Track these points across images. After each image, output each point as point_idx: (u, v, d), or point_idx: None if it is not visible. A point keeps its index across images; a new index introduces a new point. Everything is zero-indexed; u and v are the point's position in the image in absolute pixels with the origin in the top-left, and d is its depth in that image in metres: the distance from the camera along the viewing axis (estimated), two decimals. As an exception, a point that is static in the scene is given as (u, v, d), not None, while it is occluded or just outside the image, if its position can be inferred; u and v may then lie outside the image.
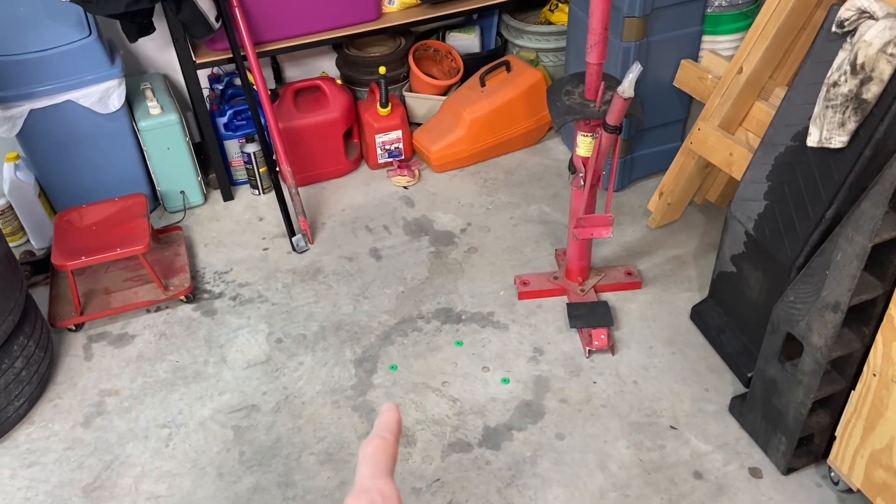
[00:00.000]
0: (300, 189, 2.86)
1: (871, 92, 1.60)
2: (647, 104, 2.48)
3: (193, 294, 2.55)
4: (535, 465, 1.97)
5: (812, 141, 1.72)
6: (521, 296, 2.45)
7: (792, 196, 1.84)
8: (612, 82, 2.01)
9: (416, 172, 3.03)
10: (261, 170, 2.92)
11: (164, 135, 2.75)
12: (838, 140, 1.68)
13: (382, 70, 2.90)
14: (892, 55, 1.55)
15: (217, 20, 2.56)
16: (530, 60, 3.12)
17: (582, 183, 2.16)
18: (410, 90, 3.17)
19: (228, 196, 2.99)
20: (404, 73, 3.15)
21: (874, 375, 1.62)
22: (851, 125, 1.65)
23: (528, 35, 3.17)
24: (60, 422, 2.17)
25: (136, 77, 2.92)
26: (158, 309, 2.51)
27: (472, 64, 3.14)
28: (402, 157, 3.07)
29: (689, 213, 2.72)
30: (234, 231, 2.84)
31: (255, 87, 2.70)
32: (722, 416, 2.07)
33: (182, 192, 2.90)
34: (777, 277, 1.91)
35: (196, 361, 2.33)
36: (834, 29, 1.69)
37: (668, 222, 2.70)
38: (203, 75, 2.93)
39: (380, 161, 3.06)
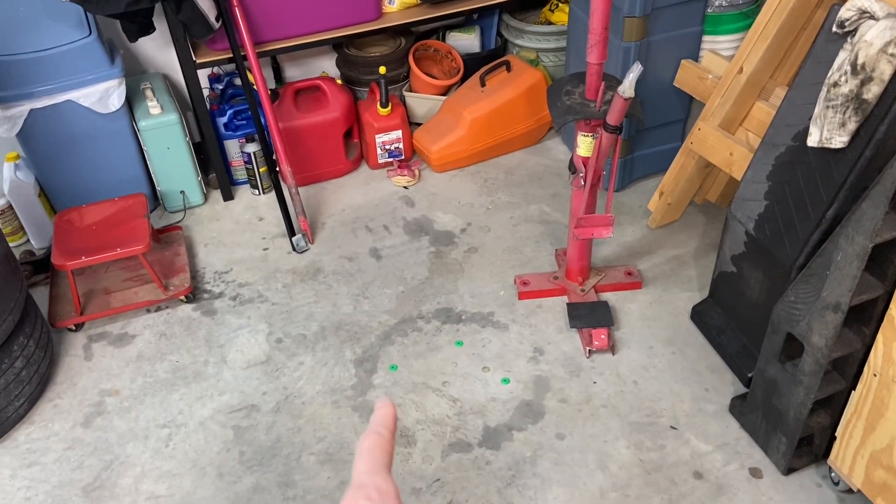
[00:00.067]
0: (300, 189, 2.86)
1: (872, 92, 1.60)
2: (647, 104, 2.48)
3: (193, 294, 2.55)
4: (536, 465, 1.97)
5: (812, 141, 1.72)
6: (522, 296, 2.45)
7: (792, 196, 1.84)
8: (613, 82, 2.01)
9: (417, 172, 3.03)
10: (261, 170, 2.92)
11: (164, 134, 2.75)
12: (839, 140, 1.68)
13: (382, 70, 2.90)
14: (892, 55, 1.55)
15: (217, 20, 2.56)
16: (530, 60, 3.12)
17: (582, 183, 2.16)
18: (410, 90, 3.17)
19: (228, 196, 2.99)
20: (404, 72, 3.15)
21: (875, 375, 1.62)
22: (852, 125, 1.65)
23: (528, 35, 3.17)
24: (60, 422, 2.17)
25: (136, 77, 2.92)
26: (158, 309, 2.51)
27: (473, 64, 3.14)
28: (403, 157, 3.07)
29: (690, 213, 2.72)
30: (234, 231, 2.84)
31: (255, 86, 2.70)
32: (722, 416, 2.07)
33: (182, 192, 2.90)
34: (777, 277, 1.91)
35: (196, 361, 2.33)
36: (834, 29, 1.69)
37: (668, 222, 2.70)
38: (203, 75, 2.93)
39: (380, 161, 3.06)
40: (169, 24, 2.57)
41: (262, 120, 2.76)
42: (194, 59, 2.68)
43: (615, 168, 2.11)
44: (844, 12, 1.65)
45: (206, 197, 2.99)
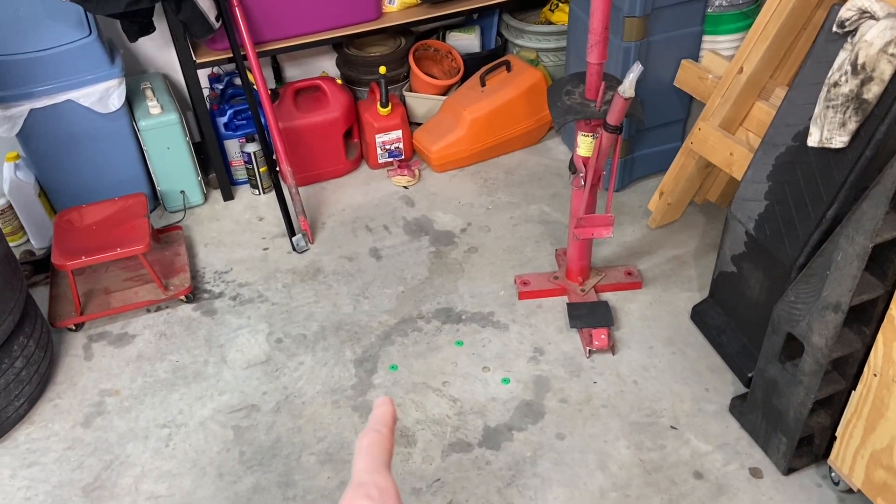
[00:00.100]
0: (300, 189, 2.86)
1: (872, 92, 1.60)
2: (647, 104, 2.48)
3: (193, 294, 2.55)
4: (536, 465, 1.97)
5: (813, 141, 1.72)
6: (522, 296, 2.45)
7: (792, 196, 1.84)
8: (613, 82, 2.01)
9: (417, 172, 3.03)
10: (261, 169, 2.92)
11: (164, 134, 2.75)
12: (839, 140, 1.68)
13: (383, 70, 2.90)
14: (892, 55, 1.55)
15: (217, 20, 2.56)
16: (530, 60, 3.12)
17: (582, 183, 2.16)
18: (410, 90, 3.17)
19: (228, 196, 2.99)
20: (404, 72, 3.15)
21: (875, 375, 1.62)
22: (852, 125, 1.65)
23: (528, 35, 3.16)
24: (60, 422, 2.17)
25: (136, 77, 2.92)
26: (158, 309, 2.51)
27: (473, 64, 3.14)
28: (403, 157, 3.07)
29: (690, 213, 2.72)
30: (234, 231, 2.84)
31: (255, 86, 2.70)
32: (722, 416, 2.07)
33: (182, 192, 2.90)
34: (778, 277, 1.91)
35: (196, 361, 2.33)
36: (835, 29, 1.69)
37: (668, 222, 2.70)
38: (203, 75, 2.93)
39: (380, 161, 3.06)
40: (169, 24, 2.57)
41: (262, 120, 2.76)
42: (194, 58, 2.68)
43: (615, 168, 2.10)
44: (844, 12, 1.65)
45: (206, 197, 2.98)
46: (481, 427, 2.07)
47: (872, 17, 1.59)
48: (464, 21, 3.28)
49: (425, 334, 2.36)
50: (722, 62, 2.34)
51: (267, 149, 2.84)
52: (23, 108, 2.51)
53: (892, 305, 1.54)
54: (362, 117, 3.01)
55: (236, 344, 2.37)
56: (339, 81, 3.02)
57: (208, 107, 2.84)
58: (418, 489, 1.93)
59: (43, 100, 2.52)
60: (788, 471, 1.91)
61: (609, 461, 1.97)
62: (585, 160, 2.11)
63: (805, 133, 1.77)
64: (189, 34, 2.58)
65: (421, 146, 3.06)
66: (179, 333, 2.43)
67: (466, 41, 3.23)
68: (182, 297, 2.50)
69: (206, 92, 2.93)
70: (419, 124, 3.15)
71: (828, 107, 1.66)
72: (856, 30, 1.62)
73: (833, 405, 1.81)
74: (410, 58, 3.08)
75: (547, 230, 2.72)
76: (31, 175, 2.74)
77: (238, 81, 2.99)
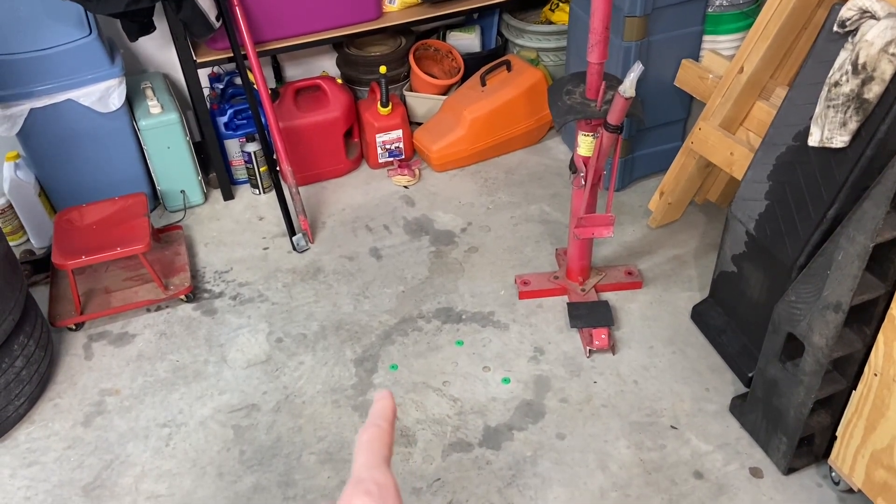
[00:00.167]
0: (300, 188, 2.86)
1: (873, 92, 1.60)
2: (647, 104, 2.48)
3: (193, 293, 2.55)
4: (536, 465, 1.97)
5: (813, 141, 1.72)
6: (522, 295, 2.45)
7: (793, 196, 1.84)
8: (613, 82, 2.01)
9: (417, 172, 3.03)
10: (261, 169, 2.92)
11: (165, 134, 2.75)
12: (840, 140, 1.67)
13: (383, 69, 2.90)
14: (893, 55, 1.55)
15: (217, 19, 2.56)
16: (531, 60, 3.12)
17: (583, 182, 2.15)
18: (411, 89, 3.17)
19: (229, 195, 2.99)
20: (405, 72, 3.15)
21: (875, 375, 1.62)
22: (853, 125, 1.65)
23: (528, 34, 3.16)
24: (60, 421, 2.17)
25: (136, 76, 2.91)
26: (158, 308, 2.51)
27: (473, 63, 3.14)
28: (403, 157, 3.07)
29: (690, 212, 2.72)
30: (235, 230, 2.84)
31: (255, 86, 2.70)
32: (722, 415, 2.07)
33: (182, 192, 2.90)
34: (778, 277, 1.91)
35: (196, 361, 2.33)
36: (835, 29, 1.69)
37: (668, 222, 2.70)
38: (203, 74, 2.93)
39: (380, 160, 3.06)
40: (169, 24, 2.57)
41: (263, 119, 2.76)
42: (194, 58, 2.68)
43: (616, 168, 2.10)
44: (845, 12, 1.65)
45: (206, 196, 2.98)
46: (481, 427, 2.07)
47: (873, 16, 1.59)
48: (464, 21, 3.28)
49: (425, 334, 2.36)
50: (722, 62, 2.33)
51: (267, 148, 2.84)
52: (23, 108, 2.51)
53: (892, 305, 1.54)
54: (363, 117, 3.01)
55: (236, 343, 2.37)
56: (340, 81, 3.02)
57: (208, 106, 2.84)
58: (418, 489, 1.93)
59: (43, 99, 2.52)
60: (789, 471, 1.91)
61: (609, 461, 1.97)
62: (586, 160, 2.11)
63: (806, 133, 1.77)
64: (189, 33, 2.58)
65: (421, 146, 3.06)
66: (179, 333, 2.42)
67: (467, 41, 3.23)
68: (182, 297, 2.50)
69: (206, 91, 2.93)
70: (419, 124, 3.15)
71: (828, 106, 1.66)
72: (856, 29, 1.62)
73: (833, 405, 1.81)
74: (411, 57, 3.08)
75: (547, 230, 2.72)
76: (31, 174, 2.74)
77: (238, 81, 2.99)
